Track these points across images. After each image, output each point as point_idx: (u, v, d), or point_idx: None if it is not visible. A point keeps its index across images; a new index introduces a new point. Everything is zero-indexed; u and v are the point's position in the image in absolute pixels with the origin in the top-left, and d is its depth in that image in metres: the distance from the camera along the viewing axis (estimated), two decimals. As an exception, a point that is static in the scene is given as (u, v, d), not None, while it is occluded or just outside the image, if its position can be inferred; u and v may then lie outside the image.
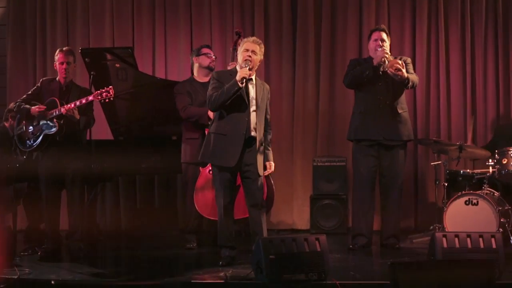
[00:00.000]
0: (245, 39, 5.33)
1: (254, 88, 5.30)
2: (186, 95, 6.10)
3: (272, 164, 5.56)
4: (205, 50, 6.24)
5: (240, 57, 5.25)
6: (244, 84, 5.11)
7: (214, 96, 5.19)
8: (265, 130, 5.41)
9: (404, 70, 5.77)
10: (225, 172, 5.23)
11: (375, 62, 5.84)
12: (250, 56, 5.20)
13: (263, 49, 5.32)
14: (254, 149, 5.25)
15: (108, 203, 7.59)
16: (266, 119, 5.41)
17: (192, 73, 6.33)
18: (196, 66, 6.23)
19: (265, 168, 5.45)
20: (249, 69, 5.17)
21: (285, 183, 7.33)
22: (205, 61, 6.20)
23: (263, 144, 5.39)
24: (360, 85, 5.98)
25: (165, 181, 7.61)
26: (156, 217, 7.49)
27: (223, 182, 5.25)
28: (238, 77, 5.10)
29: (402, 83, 5.85)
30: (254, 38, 5.33)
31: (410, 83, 5.87)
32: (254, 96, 5.28)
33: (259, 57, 5.27)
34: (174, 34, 7.59)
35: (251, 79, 5.29)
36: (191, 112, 6.02)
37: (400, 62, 5.80)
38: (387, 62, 5.78)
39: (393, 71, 5.75)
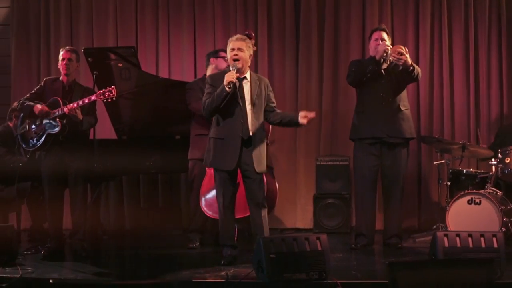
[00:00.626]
0: (230, 38, 5.30)
1: (249, 85, 5.27)
2: (198, 91, 6.09)
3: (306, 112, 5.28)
4: (223, 54, 6.25)
5: (229, 57, 5.24)
6: (231, 89, 5.06)
7: (206, 103, 5.19)
8: (272, 112, 5.31)
9: (408, 56, 5.73)
10: (225, 172, 5.24)
11: (377, 57, 5.78)
12: (236, 55, 5.17)
13: (250, 44, 5.27)
14: (253, 148, 5.23)
15: (111, 202, 7.60)
16: (269, 108, 5.34)
17: (204, 74, 6.33)
18: (212, 66, 6.22)
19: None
20: (238, 70, 5.12)
21: (288, 182, 7.33)
22: (223, 65, 6.19)
23: (266, 141, 5.38)
24: (363, 82, 5.94)
25: (169, 180, 7.62)
26: (159, 216, 7.50)
27: (223, 182, 5.25)
28: (225, 82, 5.06)
29: (407, 71, 5.79)
30: (238, 35, 5.30)
31: (415, 71, 5.81)
32: (249, 94, 5.25)
33: (247, 52, 5.22)
34: (178, 33, 7.60)
35: (245, 77, 5.27)
36: (199, 105, 5.95)
37: (403, 48, 5.77)
38: (389, 52, 5.75)
39: (396, 55, 5.72)
